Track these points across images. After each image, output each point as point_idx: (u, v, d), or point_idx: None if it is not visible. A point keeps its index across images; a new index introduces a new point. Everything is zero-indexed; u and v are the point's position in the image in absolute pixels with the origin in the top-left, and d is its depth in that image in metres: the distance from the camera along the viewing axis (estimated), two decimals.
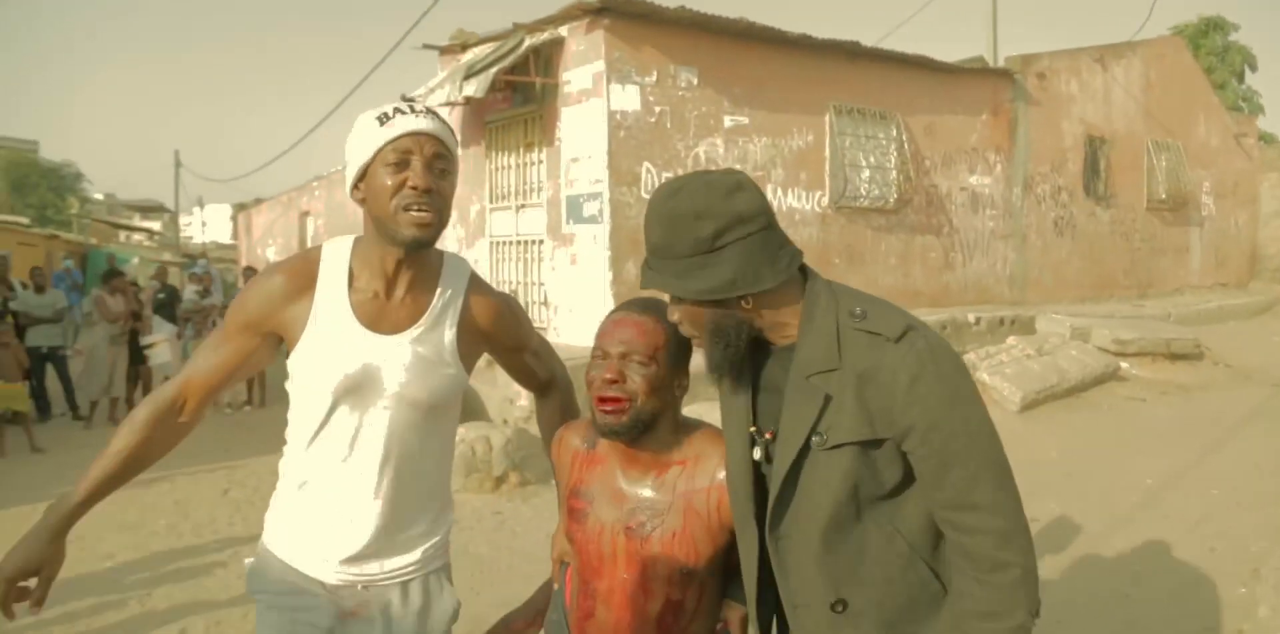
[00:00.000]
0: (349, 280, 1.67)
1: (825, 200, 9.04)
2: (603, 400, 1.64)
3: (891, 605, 1.50)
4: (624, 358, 1.65)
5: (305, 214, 16.54)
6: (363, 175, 1.62)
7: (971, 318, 9.35)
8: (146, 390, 9.04)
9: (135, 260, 22.75)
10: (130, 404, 9.14)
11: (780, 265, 1.46)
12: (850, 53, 9.16)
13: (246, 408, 9.76)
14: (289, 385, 1.70)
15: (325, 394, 1.65)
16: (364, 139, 1.61)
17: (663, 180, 7.83)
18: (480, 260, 9.21)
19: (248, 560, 1.79)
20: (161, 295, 10.76)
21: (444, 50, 9.58)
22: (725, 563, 1.73)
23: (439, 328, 1.72)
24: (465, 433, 6.06)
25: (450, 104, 8.13)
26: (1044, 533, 4.75)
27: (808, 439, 1.46)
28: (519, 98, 8.51)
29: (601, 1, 7.29)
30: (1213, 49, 24.83)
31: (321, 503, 1.70)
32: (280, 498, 1.77)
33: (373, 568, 1.72)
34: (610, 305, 7.24)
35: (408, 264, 1.67)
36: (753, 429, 1.57)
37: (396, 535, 1.74)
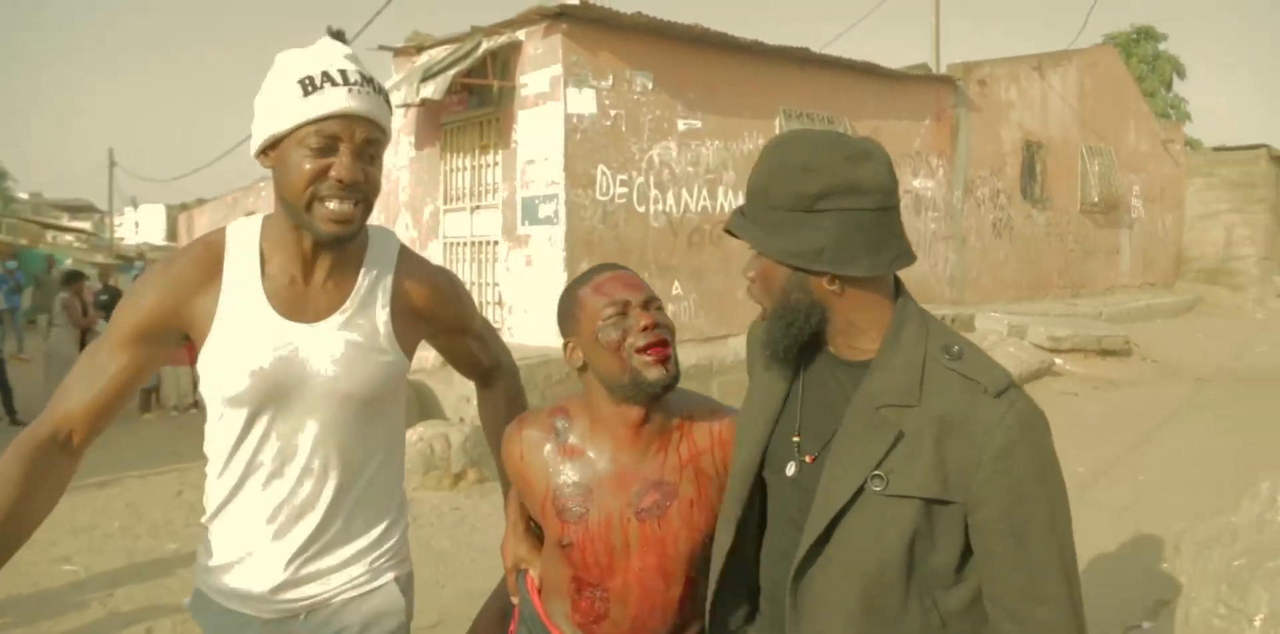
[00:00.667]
0: (260, 265, 1.46)
1: None
2: (652, 349, 1.48)
3: None
4: (645, 306, 1.53)
5: (251, 214, 16.26)
6: (274, 143, 1.41)
7: None
8: None
9: (69, 262, 22.26)
10: None
11: (884, 257, 1.28)
12: (800, 59, 9.41)
13: (193, 410, 9.68)
14: (203, 391, 1.49)
15: (243, 397, 1.44)
16: (280, 106, 1.37)
17: (618, 183, 8.00)
18: (434, 261, 9.27)
19: (186, 601, 1.64)
20: (104, 297, 10.63)
21: (399, 52, 9.61)
22: None
23: (369, 309, 1.53)
24: (424, 431, 6.16)
25: (407, 105, 8.20)
26: None
27: (865, 480, 1.26)
28: (475, 100, 8.60)
29: (560, 7, 7.42)
30: (1144, 57, 25.77)
31: (251, 530, 1.50)
32: (208, 531, 1.55)
33: (313, 589, 1.53)
34: None
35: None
36: (796, 439, 1.40)
37: (341, 551, 1.55)
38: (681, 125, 8.45)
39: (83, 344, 9.16)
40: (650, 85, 8.18)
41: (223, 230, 1.50)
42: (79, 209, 45.96)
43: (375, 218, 9.65)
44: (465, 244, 8.98)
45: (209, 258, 1.45)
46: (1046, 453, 1.23)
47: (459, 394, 6.76)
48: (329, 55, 1.41)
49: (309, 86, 1.36)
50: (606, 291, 1.53)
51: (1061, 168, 13.60)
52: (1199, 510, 4.93)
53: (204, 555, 1.55)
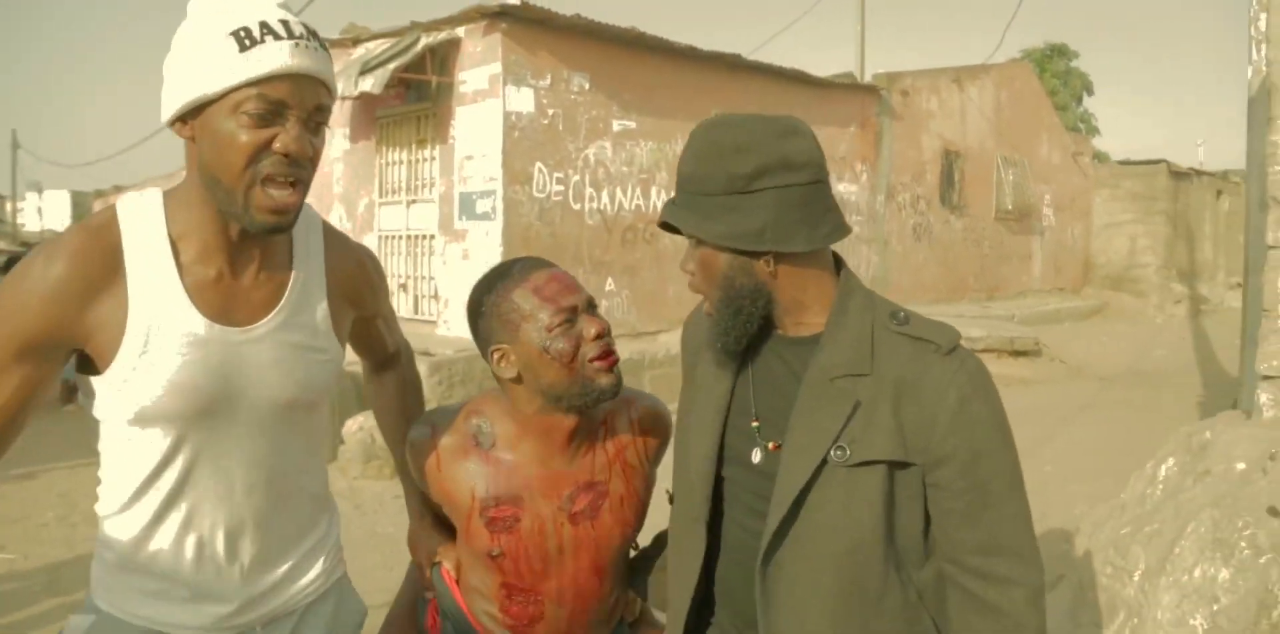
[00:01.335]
0: (174, 257, 1.20)
1: None
2: (605, 358, 1.43)
3: None
4: (590, 310, 1.46)
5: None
6: (198, 110, 1.15)
7: None
8: None
9: None
10: None
11: (821, 231, 1.26)
12: (732, 65, 9.67)
13: None
14: (99, 414, 1.24)
15: (169, 419, 1.21)
16: (208, 63, 1.12)
17: (554, 181, 8.13)
18: None
19: (74, 620, 1.32)
20: None
21: (334, 43, 9.57)
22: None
23: (307, 303, 1.33)
24: (364, 421, 6.21)
25: (344, 97, 8.20)
26: None
27: (827, 452, 1.23)
28: (412, 95, 8.64)
29: (500, 6, 7.53)
30: (1056, 73, 26.85)
31: (184, 559, 1.29)
32: (110, 569, 1.31)
33: (268, 604, 1.37)
34: None
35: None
36: (756, 424, 1.34)
37: (289, 560, 1.39)
38: (617, 126, 8.62)
39: None
40: (587, 86, 8.34)
41: (109, 213, 1.20)
42: None
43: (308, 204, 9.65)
44: (401, 238, 9.01)
45: (101, 250, 1.16)
46: (999, 408, 1.24)
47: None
48: (260, 3, 1.15)
49: (245, 40, 1.10)
50: (551, 298, 1.42)
51: (978, 176, 14.14)
52: (1098, 495, 5.30)
53: (114, 583, 1.31)
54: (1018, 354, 10.75)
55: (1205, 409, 6.74)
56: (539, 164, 7.99)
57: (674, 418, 1.57)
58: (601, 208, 8.51)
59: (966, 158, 13.86)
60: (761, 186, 1.21)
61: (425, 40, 8.10)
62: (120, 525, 1.28)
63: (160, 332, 1.18)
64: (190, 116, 1.16)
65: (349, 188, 9.63)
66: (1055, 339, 11.82)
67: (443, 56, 8.23)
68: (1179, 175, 17.66)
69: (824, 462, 1.22)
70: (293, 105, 1.14)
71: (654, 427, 1.61)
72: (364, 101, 8.81)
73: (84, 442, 6.59)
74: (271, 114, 1.13)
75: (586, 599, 1.57)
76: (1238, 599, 1.93)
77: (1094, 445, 6.96)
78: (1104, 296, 16.89)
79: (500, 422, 1.52)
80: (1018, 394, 9.42)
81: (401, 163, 8.99)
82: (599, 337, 1.42)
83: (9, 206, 38.03)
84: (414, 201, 8.80)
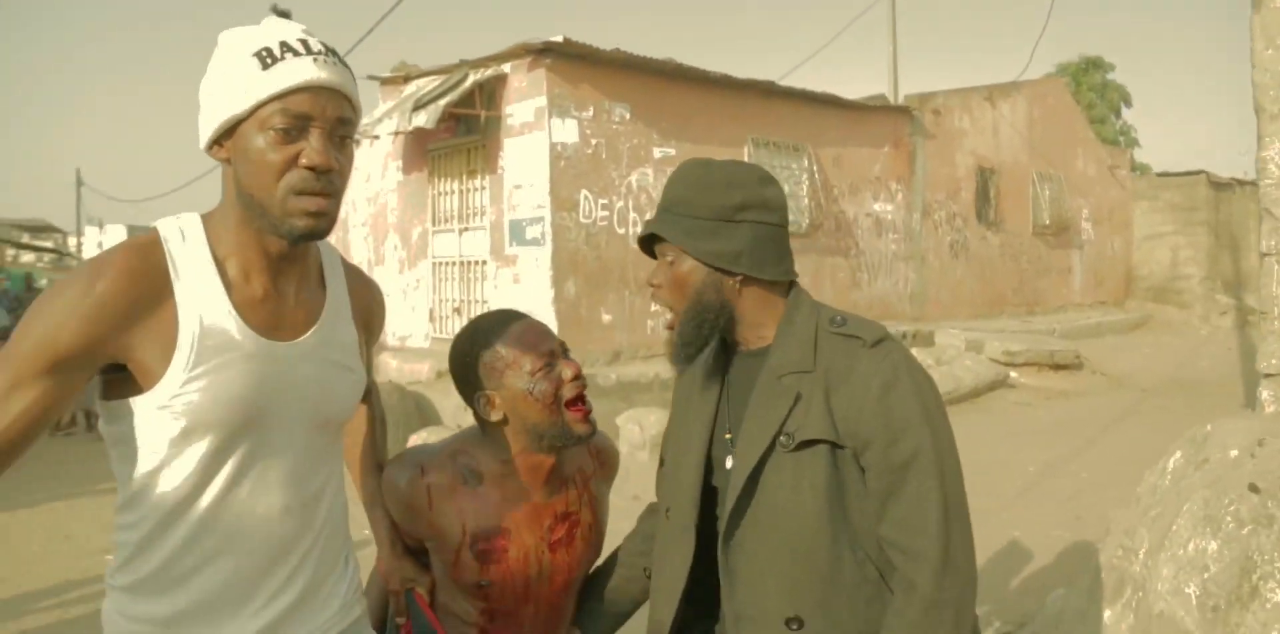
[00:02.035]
0: (220, 274, 1.22)
1: None
2: (579, 406, 1.56)
3: None
4: (565, 353, 1.60)
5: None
6: (229, 131, 1.19)
7: None
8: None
9: (44, 281, 22.37)
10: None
11: (783, 266, 1.45)
12: (766, 91, 10.02)
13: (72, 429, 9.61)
14: (138, 435, 1.21)
15: (214, 434, 1.21)
16: (235, 83, 1.16)
17: (599, 207, 8.51)
18: (423, 280, 9.72)
19: None
20: None
21: (386, 81, 10.08)
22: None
23: (340, 323, 1.36)
24: (427, 436, 6.59)
25: (399, 132, 8.68)
26: None
27: (774, 439, 1.38)
28: (462, 128, 9.09)
29: (544, 43, 7.97)
30: (1093, 86, 26.79)
31: (215, 584, 1.26)
32: (125, 599, 1.28)
33: (290, 631, 1.33)
34: (553, 322, 7.86)
35: (295, 248, 1.27)
36: (728, 436, 1.49)
37: (316, 589, 1.36)
38: (657, 153, 9.00)
39: None
40: (628, 116, 8.73)
41: (152, 234, 1.22)
42: (37, 229, 45.41)
43: (365, 239, 10.08)
44: (454, 264, 9.43)
45: (147, 269, 1.17)
46: (925, 394, 1.35)
47: (455, 403, 7.19)
48: (283, 27, 1.21)
49: (267, 58, 1.16)
50: (532, 344, 1.55)
51: (1013, 192, 14.31)
52: (1132, 498, 5.48)
53: (137, 625, 1.27)
54: (1058, 367, 10.81)
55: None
56: (584, 191, 8.38)
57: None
58: None
59: (1001, 174, 14.02)
60: (743, 219, 1.41)
61: (474, 77, 8.55)
62: (149, 548, 1.24)
63: (211, 346, 1.19)
64: (224, 138, 1.20)
65: (403, 217, 10.10)
66: (1097, 352, 11.88)
67: (490, 91, 8.68)
68: (1220, 185, 17.59)
69: (771, 448, 1.37)
70: (315, 117, 1.17)
71: (610, 461, 1.80)
72: (416, 135, 9.28)
73: (68, 472, 6.69)
74: (297, 128, 1.16)
75: (559, 618, 1.73)
76: (1224, 567, 2.19)
77: (1130, 452, 7.10)
78: (1147, 309, 16.80)
79: (485, 461, 1.62)
80: (1058, 406, 9.55)
81: (453, 193, 9.43)
82: (576, 377, 1.57)
83: (72, 242, 39.40)
84: (466, 229, 9.23)
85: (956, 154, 13.11)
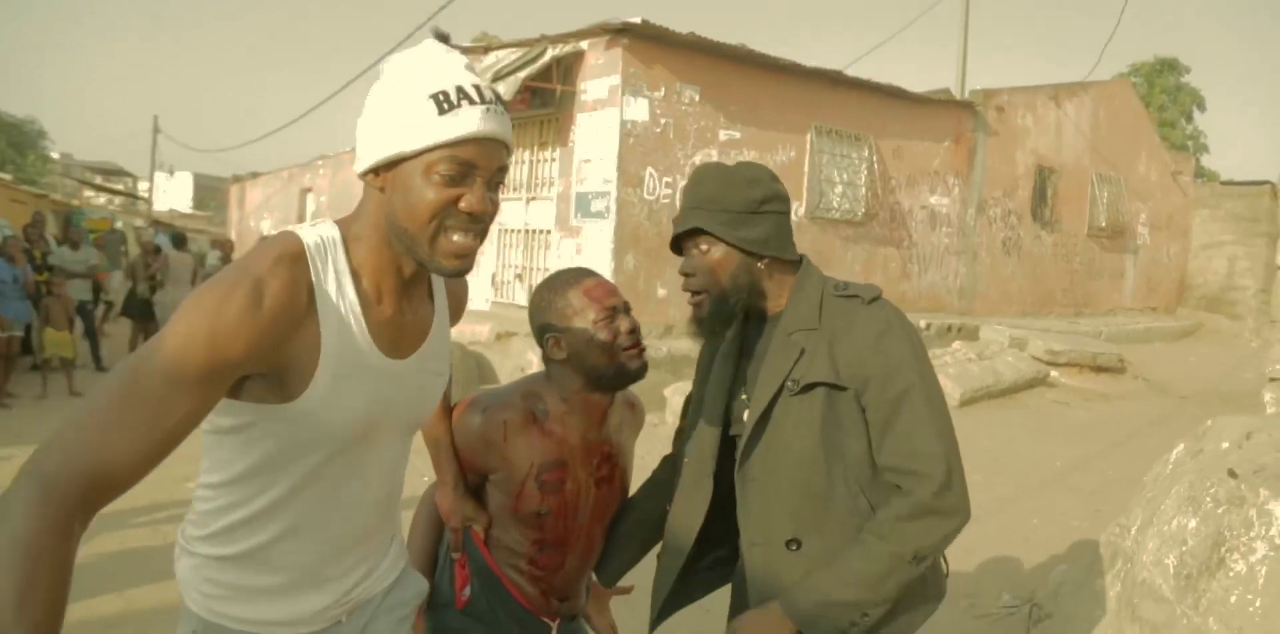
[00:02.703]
0: (358, 294, 1.26)
1: (802, 211, 10.10)
2: (635, 347, 1.75)
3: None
4: (627, 311, 1.78)
5: (307, 190, 17.18)
6: (391, 164, 1.22)
7: (923, 324, 10.45)
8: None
9: (119, 224, 23.13)
10: None
11: (793, 248, 1.71)
12: (833, 80, 10.24)
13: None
14: (258, 433, 1.26)
15: (330, 447, 1.29)
16: (407, 122, 1.19)
17: (664, 185, 8.85)
18: (488, 246, 10.16)
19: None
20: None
21: (467, 51, 10.47)
22: None
23: (441, 332, 1.44)
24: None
25: None
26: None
27: (781, 386, 1.60)
28: (536, 100, 9.45)
29: (622, 24, 8.28)
30: (1166, 88, 26.31)
31: (307, 562, 1.37)
32: (213, 570, 1.35)
33: (357, 595, 1.46)
34: None
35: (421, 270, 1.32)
36: (744, 397, 1.70)
37: (375, 557, 1.50)
38: (723, 135, 9.29)
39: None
40: (697, 98, 9.03)
41: (297, 245, 1.23)
42: (110, 172, 46.59)
43: None
44: (519, 232, 9.85)
45: (301, 286, 1.20)
46: (913, 339, 1.59)
47: (514, 364, 7.64)
48: (455, 68, 1.23)
49: (444, 103, 1.18)
50: (598, 298, 1.73)
51: (1072, 193, 14.33)
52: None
53: (215, 587, 1.35)
54: (1100, 370, 10.86)
55: None
56: (650, 169, 8.72)
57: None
58: None
59: (1060, 174, 14.05)
60: (766, 210, 1.65)
61: (552, 52, 8.90)
62: (245, 530, 1.31)
63: (347, 366, 1.24)
64: (384, 169, 1.22)
65: None
66: (1142, 358, 11.92)
67: (567, 67, 9.03)
68: None
69: (780, 393, 1.59)
70: (480, 166, 1.21)
71: (641, 413, 2.00)
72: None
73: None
74: (460, 175, 1.20)
75: (593, 550, 1.90)
76: (1200, 541, 2.50)
77: (1157, 454, 7.29)
78: (1198, 318, 16.60)
79: (551, 400, 1.80)
80: (1094, 408, 9.63)
81: (523, 163, 9.82)
82: (632, 331, 1.76)
83: (142, 186, 40.40)
84: (533, 199, 9.62)
85: (1017, 152, 13.18)
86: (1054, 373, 10.54)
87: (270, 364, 1.18)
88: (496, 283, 10.12)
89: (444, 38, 1.66)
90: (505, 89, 8.59)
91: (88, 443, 1.03)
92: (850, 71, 10.60)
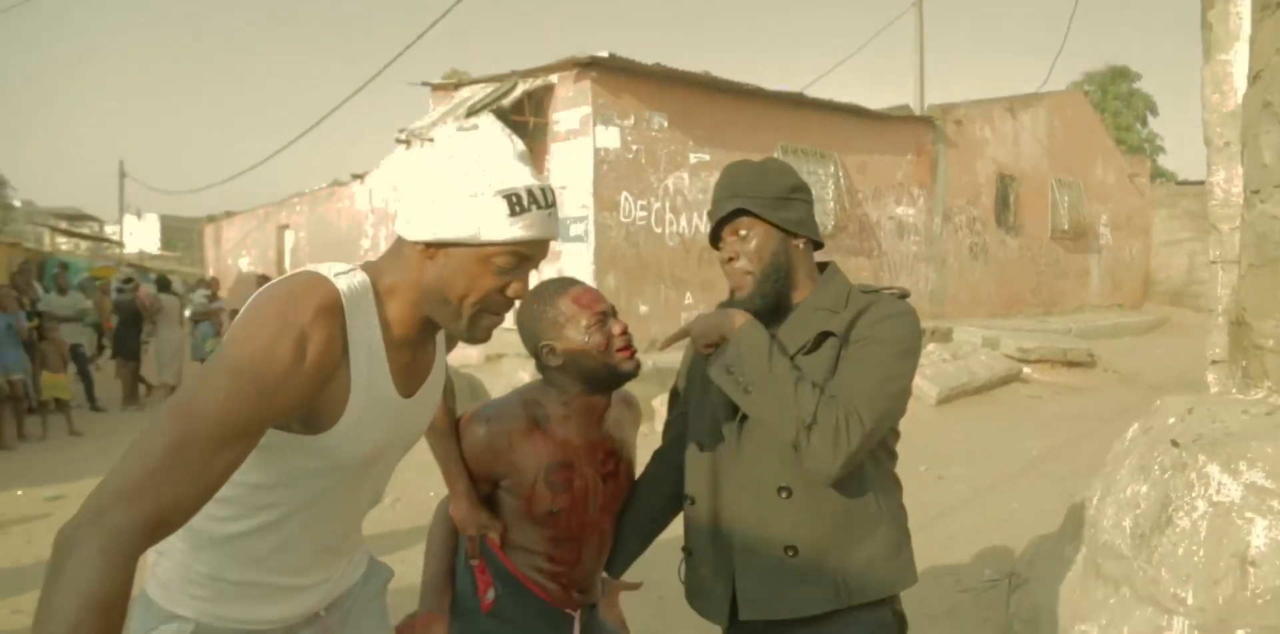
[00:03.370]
0: (386, 344, 1.34)
1: None
2: (627, 349, 1.81)
3: (829, 508, 1.68)
4: (615, 315, 1.83)
5: (284, 227, 17.26)
6: (449, 243, 1.28)
7: None
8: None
9: (85, 272, 23.04)
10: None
11: (820, 235, 1.82)
12: (795, 102, 10.63)
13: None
14: (273, 458, 1.32)
15: (342, 473, 1.39)
16: (479, 216, 1.25)
17: (639, 208, 9.17)
18: None
19: (166, 629, 1.40)
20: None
21: (436, 87, 10.77)
22: None
23: (439, 369, 1.53)
24: None
25: None
26: (947, 485, 6.15)
27: (799, 348, 1.68)
28: None
29: (590, 57, 8.63)
30: (1119, 94, 27.06)
31: (302, 563, 1.47)
32: (207, 576, 1.40)
33: (334, 591, 1.57)
34: None
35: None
36: None
37: (353, 553, 1.63)
38: (692, 158, 9.64)
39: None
40: (666, 124, 9.38)
41: (334, 293, 1.25)
42: (74, 217, 46.20)
43: None
44: None
45: (338, 334, 1.25)
46: (914, 334, 1.68)
47: (506, 383, 7.88)
48: (521, 164, 1.30)
49: (516, 205, 1.25)
50: (587, 304, 1.79)
51: (1033, 198, 14.78)
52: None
53: (210, 590, 1.40)
54: (1071, 365, 11.13)
55: None
56: (625, 193, 9.04)
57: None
58: (680, 231, 9.52)
59: (1021, 181, 14.49)
60: (796, 197, 1.78)
61: (523, 86, 9.23)
62: (252, 539, 1.39)
63: (371, 409, 1.33)
64: (439, 244, 1.28)
65: None
66: (1111, 352, 12.21)
67: (538, 100, 9.35)
68: None
69: (798, 351, 1.68)
70: (533, 260, 1.32)
71: (638, 410, 2.07)
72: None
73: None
74: (514, 266, 1.29)
75: (605, 542, 1.97)
76: (1150, 504, 2.79)
77: None
78: (1164, 312, 16.99)
79: (551, 405, 1.87)
80: (1067, 400, 9.93)
81: None
82: (623, 333, 1.82)
83: (109, 229, 40.24)
84: None
85: (977, 162, 13.62)
86: (1026, 369, 10.80)
87: (310, 408, 1.25)
88: None
89: (503, 115, 1.68)
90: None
91: (146, 494, 1.06)
92: (812, 90, 11.03)
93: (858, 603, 1.68)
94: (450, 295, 1.30)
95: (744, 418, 1.73)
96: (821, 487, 1.66)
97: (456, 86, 10.46)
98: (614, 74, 8.92)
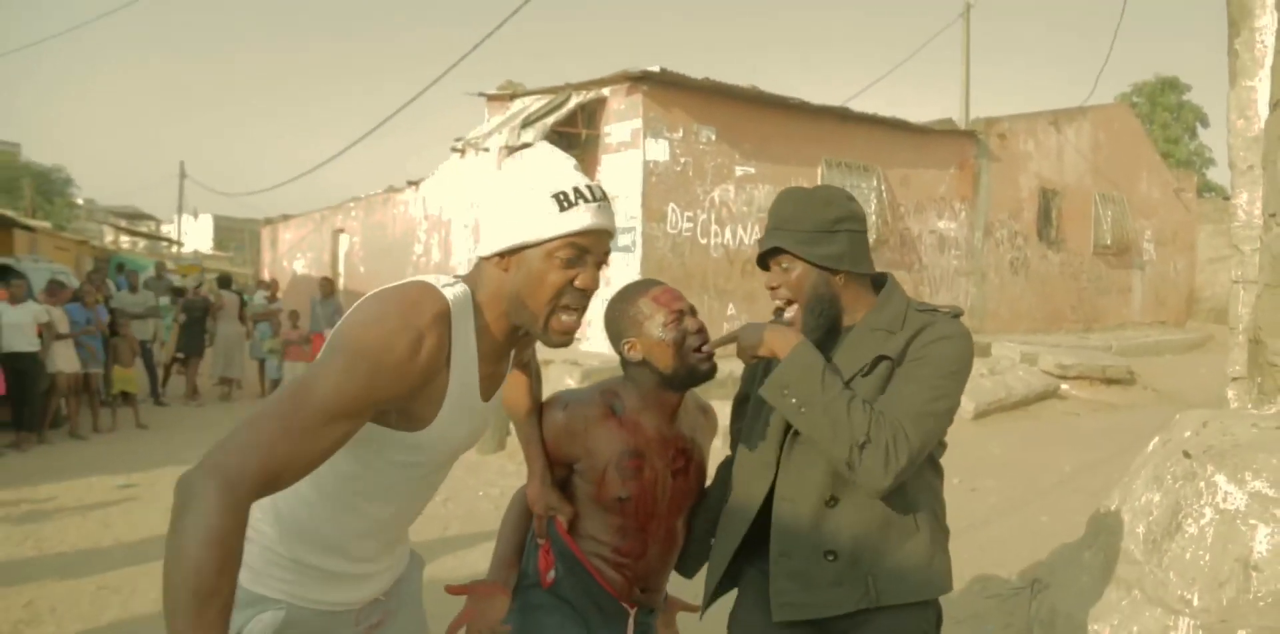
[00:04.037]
0: (479, 351, 1.47)
1: None
2: (703, 347, 1.87)
3: (870, 517, 1.73)
4: (693, 313, 1.90)
5: (339, 231, 17.71)
6: (515, 250, 1.42)
7: None
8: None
9: (151, 268, 23.70)
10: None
11: (869, 263, 1.81)
12: (840, 116, 10.83)
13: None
14: (366, 451, 1.43)
15: (424, 468, 1.53)
16: (533, 217, 1.40)
17: (685, 219, 9.44)
18: None
19: (265, 617, 1.48)
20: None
21: (492, 97, 11.11)
22: None
23: (507, 376, 1.65)
24: None
25: (508, 147, 9.71)
26: (980, 498, 6.33)
27: (855, 374, 1.71)
28: (562, 144, 10.05)
29: (642, 71, 8.91)
30: (1168, 106, 26.74)
31: (378, 547, 1.60)
32: (295, 561, 1.51)
33: (392, 576, 1.71)
34: None
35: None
36: None
37: (406, 542, 1.76)
38: (739, 171, 9.89)
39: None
40: (714, 137, 9.64)
41: (445, 302, 1.39)
42: (132, 216, 47.42)
43: (468, 239, 11.20)
44: None
45: (445, 340, 1.38)
46: (966, 354, 1.71)
47: (552, 389, 8.14)
48: (568, 171, 1.45)
49: (564, 202, 1.39)
50: (666, 303, 1.86)
51: (1075, 213, 14.76)
52: None
53: (298, 575, 1.51)
54: (1110, 382, 11.17)
55: None
56: (672, 204, 9.31)
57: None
58: (725, 243, 9.78)
59: (1064, 195, 14.49)
60: (840, 229, 1.77)
61: (576, 98, 9.54)
62: (336, 526, 1.51)
63: (460, 411, 1.45)
64: (508, 254, 1.43)
65: None
66: (1151, 369, 12.17)
67: (590, 112, 9.65)
68: None
69: (856, 374, 1.72)
70: (593, 251, 1.43)
71: (714, 420, 2.15)
72: (521, 148, 10.27)
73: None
74: (576, 258, 1.41)
75: (673, 541, 2.01)
76: (1162, 511, 2.99)
77: None
78: (1208, 330, 16.67)
79: (628, 398, 1.95)
80: (1104, 417, 9.89)
81: None
82: (699, 331, 1.90)
83: (166, 228, 41.30)
84: None
85: (1020, 176, 13.66)
86: (1064, 386, 10.82)
87: (406, 401, 1.37)
88: None
89: (557, 141, 1.96)
90: (535, 135, 9.21)
91: (260, 450, 1.17)
92: (856, 102, 11.24)
93: (886, 604, 1.73)
94: (528, 299, 1.42)
95: (793, 431, 1.78)
96: (866, 496, 1.71)
97: (512, 97, 10.78)
98: (664, 88, 9.20)
